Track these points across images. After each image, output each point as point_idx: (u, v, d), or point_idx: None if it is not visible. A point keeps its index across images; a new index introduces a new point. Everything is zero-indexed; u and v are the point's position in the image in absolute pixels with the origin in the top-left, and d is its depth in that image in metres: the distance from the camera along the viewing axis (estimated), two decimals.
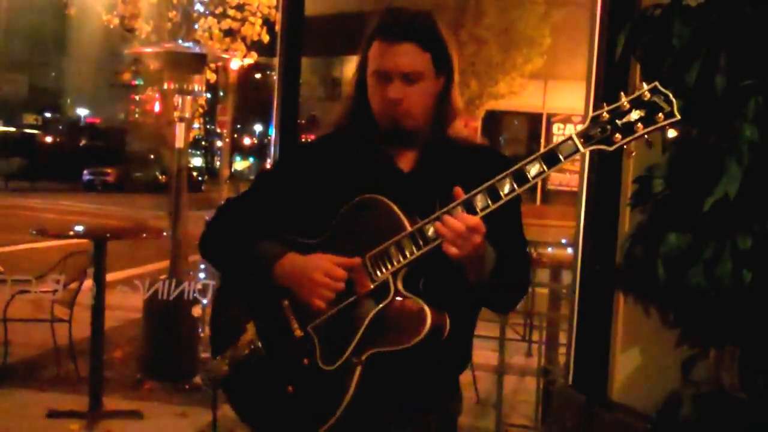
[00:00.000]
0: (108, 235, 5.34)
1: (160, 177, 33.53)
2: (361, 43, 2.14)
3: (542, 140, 21.88)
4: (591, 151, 1.88)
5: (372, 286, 2.01)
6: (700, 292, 2.91)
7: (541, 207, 20.32)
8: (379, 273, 2.00)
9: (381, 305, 1.99)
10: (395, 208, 2.00)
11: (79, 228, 6.06)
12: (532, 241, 8.50)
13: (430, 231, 1.92)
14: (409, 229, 1.96)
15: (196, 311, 6.13)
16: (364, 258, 2.02)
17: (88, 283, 5.44)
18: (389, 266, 1.98)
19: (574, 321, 3.86)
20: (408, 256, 1.96)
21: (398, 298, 1.99)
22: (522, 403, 5.84)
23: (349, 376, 2.00)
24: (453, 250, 1.89)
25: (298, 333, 2.08)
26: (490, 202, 1.90)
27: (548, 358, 5.72)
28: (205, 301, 6.04)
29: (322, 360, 2.04)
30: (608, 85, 3.70)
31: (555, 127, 21.79)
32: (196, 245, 2.30)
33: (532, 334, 7.26)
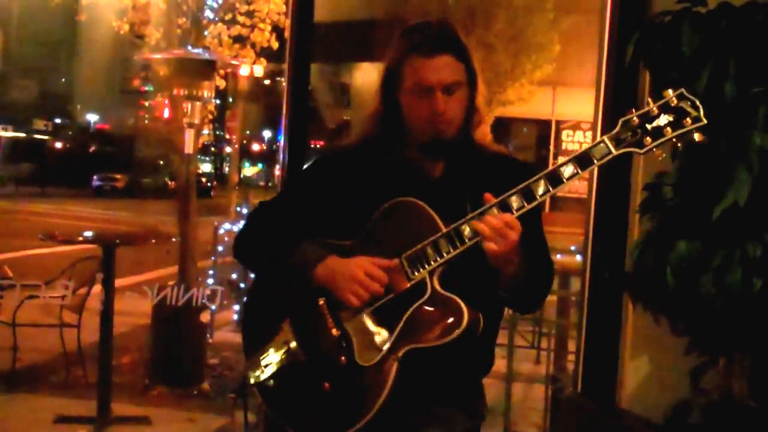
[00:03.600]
0: (117, 240, 5.35)
1: (169, 183, 33.56)
2: (389, 61, 2.20)
3: (551, 147, 21.86)
4: (623, 154, 1.96)
5: (409, 285, 2.08)
6: (710, 300, 2.90)
7: (549, 214, 20.31)
8: (416, 272, 2.07)
9: (418, 303, 2.06)
10: (429, 210, 2.08)
11: (88, 233, 6.10)
12: None
13: (466, 231, 2.01)
14: (444, 229, 2.04)
15: (205, 317, 6.14)
16: (401, 258, 2.08)
17: (97, 288, 5.46)
18: (426, 265, 2.06)
19: (583, 328, 3.85)
20: (444, 255, 2.03)
21: (435, 296, 2.05)
22: (530, 410, 5.83)
23: (386, 373, 2.05)
24: (492, 247, 1.96)
25: (335, 331, 2.14)
26: (525, 202, 1.99)
27: (557, 366, 5.71)
28: (213, 307, 6.05)
29: (359, 357, 2.10)
30: (617, 92, 3.69)
31: (564, 134, 21.78)
32: (231, 246, 2.37)
33: (541, 342, 7.24)
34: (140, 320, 7.09)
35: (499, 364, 5.97)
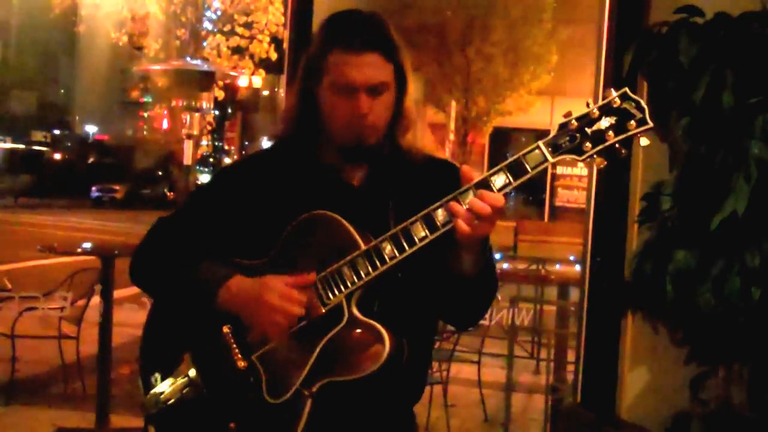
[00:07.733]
0: (116, 252, 5.34)
1: (168, 194, 33.59)
2: (311, 50, 1.98)
3: None
4: (559, 161, 1.77)
5: (323, 311, 1.84)
6: (709, 310, 2.90)
7: (548, 224, 20.31)
8: (331, 295, 1.84)
9: (333, 331, 1.83)
10: (346, 224, 1.85)
11: (87, 245, 6.08)
12: (541, 258, 8.50)
13: (387, 250, 1.79)
14: (363, 247, 1.82)
15: None
16: (315, 279, 1.86)
17: (96, 300, 5.45)
18: (342, 288, 1.83)
19: (582, 338, 3.85)
20: (363, 276, 1.81)
21: (353, 323, 1.83)
22: (530, 421, 5.82)
23: (299, 410, 1.84)
24: (465, 229, 1.74)
25: (242, 363, 1.91)
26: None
27: (556, 376, 5.70)
28: None
29: (268, 392, 1.88)
30: None
31: None
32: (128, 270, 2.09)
33: (541, 352, 7.23)
34: (139, 332, 7.04)
35: (499, 375, 6.01)
